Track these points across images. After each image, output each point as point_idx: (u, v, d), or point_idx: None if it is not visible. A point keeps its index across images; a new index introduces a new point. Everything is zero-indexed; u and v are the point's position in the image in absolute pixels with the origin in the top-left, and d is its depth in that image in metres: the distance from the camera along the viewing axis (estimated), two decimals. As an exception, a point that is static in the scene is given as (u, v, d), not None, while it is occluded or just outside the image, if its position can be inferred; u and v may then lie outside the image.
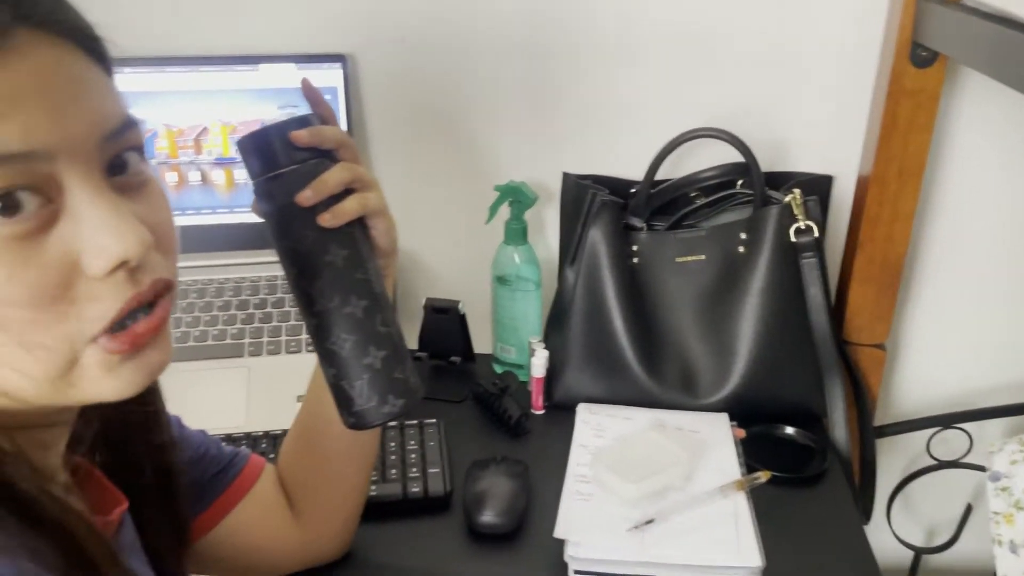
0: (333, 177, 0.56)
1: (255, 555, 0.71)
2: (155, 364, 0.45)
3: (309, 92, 0.61)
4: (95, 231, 0.41)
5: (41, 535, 0.41)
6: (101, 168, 0.42)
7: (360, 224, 0.59)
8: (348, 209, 0.57)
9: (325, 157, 0.58)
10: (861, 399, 1.05)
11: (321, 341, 0.58)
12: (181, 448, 0.66)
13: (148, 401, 0.57)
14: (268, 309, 1.03)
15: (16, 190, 0.39)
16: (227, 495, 0.69)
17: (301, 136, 0.56)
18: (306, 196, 0.55)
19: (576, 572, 0.77)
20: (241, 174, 1.05)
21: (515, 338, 1.06)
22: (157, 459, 0.59)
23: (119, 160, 0.44)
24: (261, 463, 0.73)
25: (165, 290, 0.45)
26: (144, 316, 0.44)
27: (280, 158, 0.56)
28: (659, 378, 0.97)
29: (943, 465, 1.12)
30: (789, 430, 0.96)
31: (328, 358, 0.58)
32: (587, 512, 0.81)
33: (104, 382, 0.43)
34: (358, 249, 0.58)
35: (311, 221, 0.56)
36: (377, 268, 0.60)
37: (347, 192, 0.58)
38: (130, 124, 0.44)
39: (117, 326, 0.43)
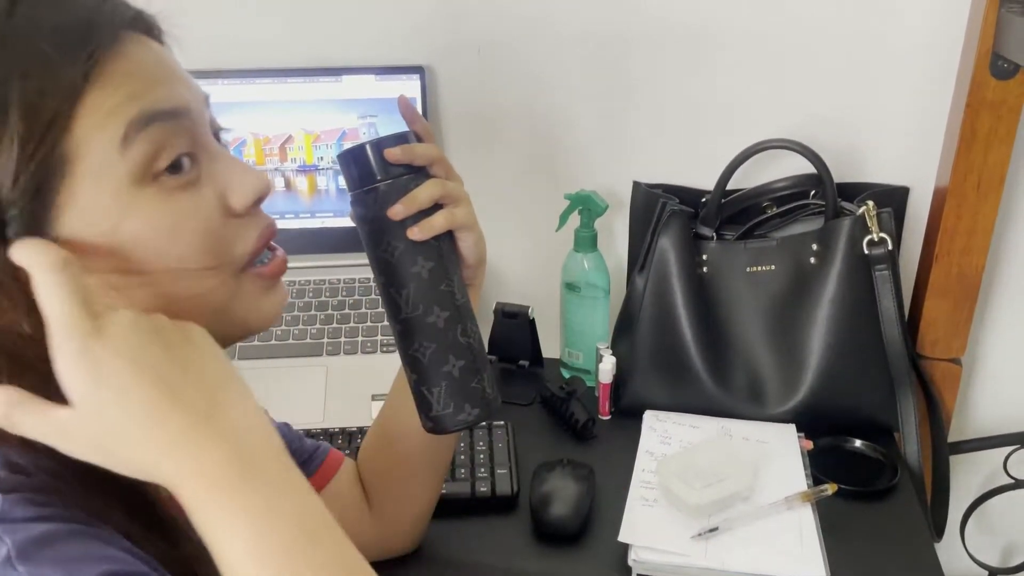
0: (423, 193, 0.60)
1: None
2: (284, 296, 0.55)
3: (406, 110, 0.65)
4: (234, 173, 0.51)
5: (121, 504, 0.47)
6: (212, 131, 0.52)
7: (448, 237, 0.62)
8: (436, 223, 0.60)
9: (418, 173, 0.61)
10: (935, 414, 1.03)
11: (405, 347, 0.61)
12: None
13: None
14: (346, 311, 1.07)
15: (180, 157, 0.48)
16: None
17: (394, 153, 0.59)
18: (397, 210, 0.59)
19: (639, 576, 0.79)
20: (323, 180, 1.10)
21: (583, 344, 1.08)
22: None
23: (215, 126, 0.53)
24: (340, 458, 0.77)
25: (274, 234, 0.54)
26: (271, 254, 0.54)
27: (375, 173, 0.60)
28: (727, 387, 0.98)
29: (1020, 484, 1.09)
30: (858, 443, 0.96)
31: (410, 363, 0.61)
32: (652, 518, 0.83)
33: (259, 308, 0.53)
34: (444, 262, 0.61)
35: (401, 233, 0.59)
36: (461, 280, 0.62)
37: (437, 207, 0.61)
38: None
39: (257, 261, 0.53)
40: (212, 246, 0.50)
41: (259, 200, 0.52)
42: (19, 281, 0.44)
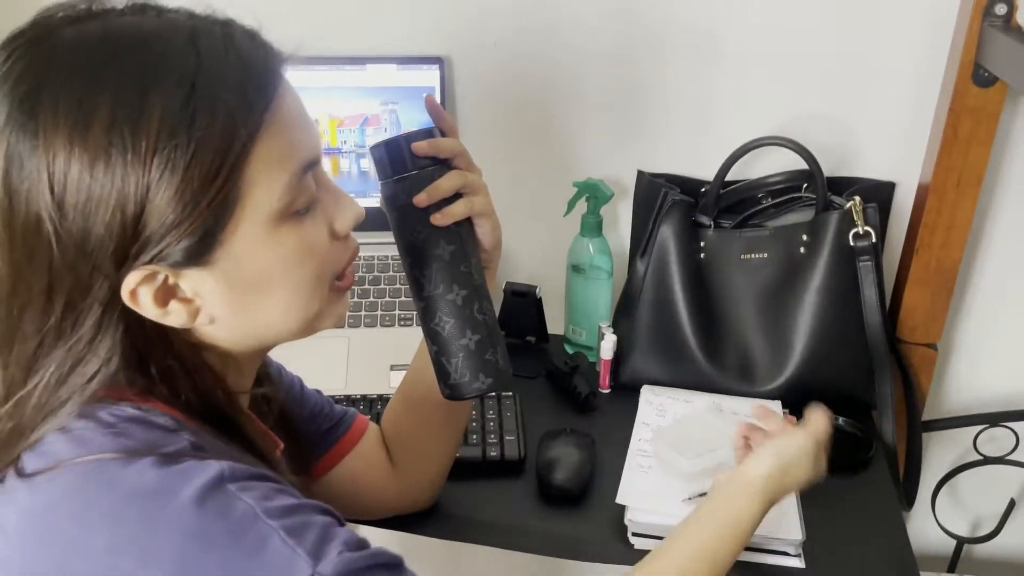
0: (445, 183, 0.66)
1: (359, 500, 0.83)
2: (348, 301, 0.65)
3: (432, 108, 0.71)
4: (340, 201, 0.59)
5: (245, 452, 0.55)
6: None
7: (468, 223, 0.68)
8: (456, 211, 0.66)
9: (442, 165, 0.67)
10: (911, 394, 1.11)
11: (427, 321, 0.68)
12: (301, 404, 0.78)
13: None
14: (367, 286, 1.14)
15: (312, 203, 0.56)
16: (338, 447, 0.81)
17: (421, 146, 0.66)
18: (421, 198, 0.65)
19: (634, 534, 0.86)
20: (346, 163, 1.16)
21: (586, 322, 1.15)
22: (281, 409, 0.72)
23: None
24: (366, 422, 0.84)
25: (358, 254, 0.63)
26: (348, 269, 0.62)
27: (404, 164, 0.66)
28: (719, 365, 1.05)
29: (989, 461, 1.17)
30: (838, 420, 1.02)
31: (431, 336, 0.68)
32: (647, 482, 0.90)
33: (332, 314, 0.61)
34: (463, 245, 0.67)
35: (425, 219, 0.66)
36: (479, 262, 0.69)
37: (458, 196, 0.67)
38: None
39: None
40: (322, 268, 0.58)
41: (356, 225, 0.60)
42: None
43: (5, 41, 0.51)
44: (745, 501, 0.71)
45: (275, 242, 0.54)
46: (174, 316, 0.53)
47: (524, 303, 1.14)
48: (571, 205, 1.12)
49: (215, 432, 0.55)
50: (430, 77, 1.13)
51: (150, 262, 0.50)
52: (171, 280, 0.52)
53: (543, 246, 1.21)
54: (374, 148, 0.67)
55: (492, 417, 0.99)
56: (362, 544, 0.51)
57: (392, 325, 1.11)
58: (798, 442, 0.76)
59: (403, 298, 1.13)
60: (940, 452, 1.24)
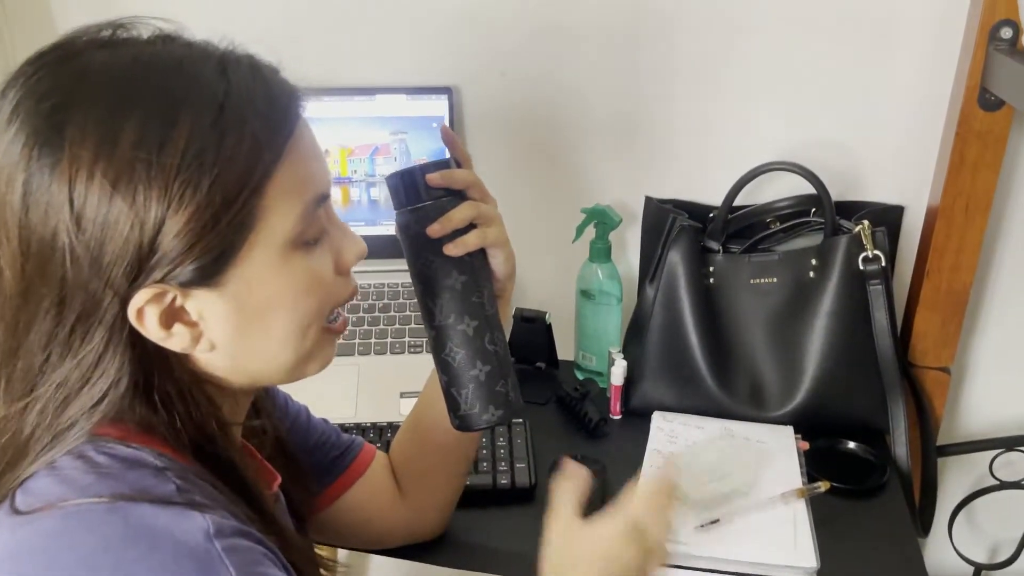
0: (458, 214, 0.66)
1: (367, 528, 0.82)
2: (335, 349, 0.62)
3: (447, 137, 0.71)
4: (346, 237, 0.60)
5: (237, 496, 0.54)
6: None
7: (481, 254, 0.69)
8: (469, 241, 0.67)
9: (457, 195, 0.68)
10: (924, 418, 1.10)
11: (437, 351, 0.68)
12: (307, 432, 0.78)
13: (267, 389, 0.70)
14: (376, 314, 1.15)
15: (321, 235, 0.57)
16: (345, 476, 0.80)
17: (435, 178, 0.66)
18: (435, 229, 0.66)
19: (646, 562, 0.86)
20: (356, 191, 1.17)
21: (596, 348, 1.15)
22: (278, 439, 0.71)
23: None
24: (373, 451, 0.84)
25: (355, 295, 0.62)
26: (338, 313, 0.61)
27: (418, 194, 0.67)
28: (730, 391, 1.05)
29: (1005, 486, 1.16)
30: (851, 445, 1.02)
31: (442, 366, 0.68)
32: (658, 510, 0.90)
33: (322, 358, 0.60)
34: (476, 276, 0.68)
35: (438, 249, 0.66)
36: (492, 293, 0.69)
37: (472, 226, 0.67)
38: None
39: (331, 318, 0.60)
40: (325, 301, 0.58)
41: (359, 261, 0.61)
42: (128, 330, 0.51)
43: (29, 60, 0.52)
44: None
45: (285, 269, 0.54)
46: (177, 339, 0.53)
47: (534, 329, 1.14)
48: (580, 231, 1.13)
49: (207, 470, 0.54)
50: (439, 106, 1.14)
51: (161, 280, 0.50)
52: (178, 301, 0.52)
53: (552, 272, 1.21)
54: (389, 178, 0.68)
55: (503, 444, 0.99)
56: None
57: (402, 352, 1.11)
58: (599, 531, 0.63)
59: (413, 325, 1.13)
60: (956, 477, 1.23)
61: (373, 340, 1.12)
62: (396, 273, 1.17)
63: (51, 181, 0.48)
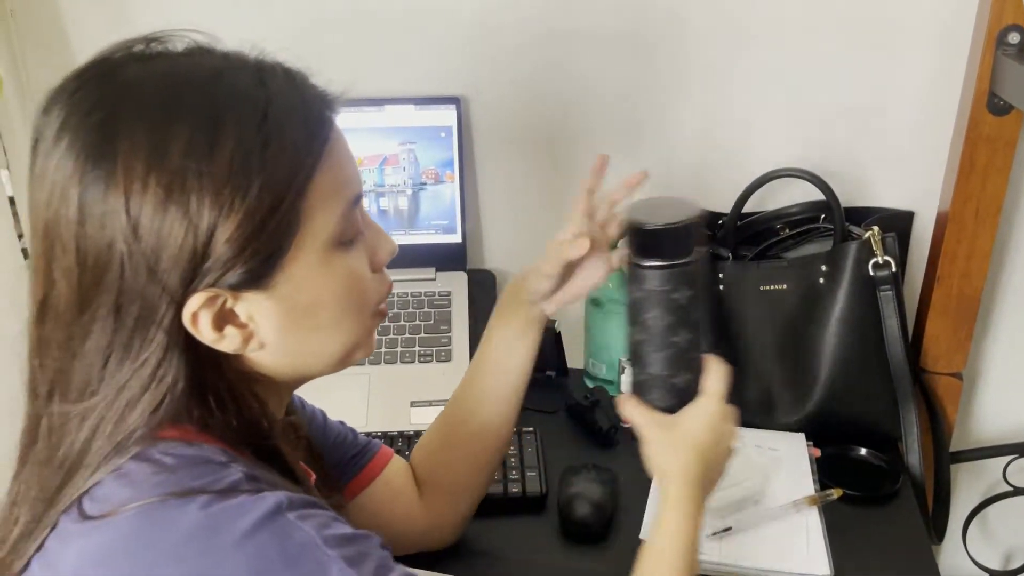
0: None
1: (384, 531, 0.82)
2: (375, 337, 0.66)
3: (601, 164, 0.80)
4: (379, 237, 0.62)
5: (290, 482, 0.56)
6: None
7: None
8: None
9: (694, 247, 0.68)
10: (936, 424, 1.09)
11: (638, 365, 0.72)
12: (324, 433, 0.80)
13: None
14: (387, 323, 1.15)
15: (357, 235, 0.59)
16: (363, 475, 0.81)
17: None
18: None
19: (658, 571, 0.85)
20: (366, 201, 1.16)
21: (606, 356, 1.15)
22: (307, 438, 0.73)
23: None
24: (390, 453, 0.85)
25: (391, 289, 0.65)
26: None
27: (688, 250, 0.67)
28: (741, 397, 1.03)
29: (1019, 491, 1.15)
30: (863, 451, 1.02)
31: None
32: (670, 518, 0.89)
33: (366, 347, 0.62)
34: (697, 334, 0.70)
35: (691, 309, 0.69)
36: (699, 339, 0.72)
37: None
38: None
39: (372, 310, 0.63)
40: (365, 298, 0.61)
41: (391, 260, 0.64)
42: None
43: (69, 78, 0.53)
44: (678, 508, 0.68)
45: (328, 269, 0.56)
46: (228, 341, 0.55)
47: (543, 337, 1.13)
48: (589, 239, 1.12)
49: (262, 464, 0.56)
50: (447, 116, 1.15)
51: (213, 284, 0.52)
52: (229, 304, 0.53)
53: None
54: (638, 231, 0.67)
55: (513, 453, 0.99)
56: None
57: (412, 361, 1.12)
58: (706, 414, 0.70)
59: (423, 335, 1.14)
60: (969, 483, 1.22)
61: (384, 350, 1.13)
62: (407, 283, 1.18)
63: (106, 192, 0.50)
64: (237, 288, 0.53)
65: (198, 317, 0.52)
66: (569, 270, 0.78)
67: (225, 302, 0.53)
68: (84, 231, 0.51)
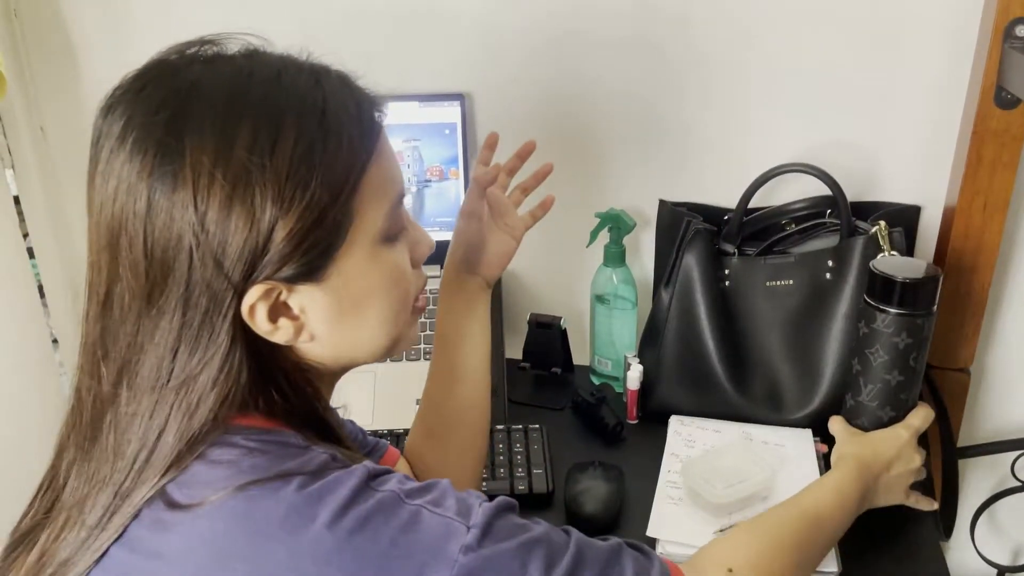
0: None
1: None
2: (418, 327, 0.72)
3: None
4: (419, 234, 0.66)
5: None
6: None
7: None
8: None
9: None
10: (943, 420, 1.09)
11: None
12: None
13: None
14: (391, 321, 1.15)
15: (401, 231, 0.62)
16: None
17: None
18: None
19: (666, 568, 0.85)
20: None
21: (612, 352, 1.15)
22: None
23: None
24: (397, 454, 0.85)
25: (427, 283, 0.69)
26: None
27: (931, 305, 0.86)
28: (747, 394, 1.04)
29: (1028, 487, 1.15)
30: (871, 447, 1.01)
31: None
32: (677, 514, 0.89)
33: (410, 336, 0.65)
34: (910, 379, 0.88)
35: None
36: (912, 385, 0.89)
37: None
38: None
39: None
40: (408, 291, 0.64)
41: (430, 254, 0.67)
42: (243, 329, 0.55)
43: (129, 79, 0.55)
44: (844, 472, 0.81)
45: (376, 263, 0.59)
46: (282, 332, 0.56)
47: (549, 334, 1.14)
48: (594, 235, 1.13)
49: (325, 445, 0.58)
50: (452, 113, 1.15)
51: (270, 277, 0.54)
52: (283, 296, 0.55)
53: (567, 277, 1.21)
54: (885, 279, 0.86)
55: (519, 450, 0.99)
56: (489, 496, 0.57)
57: (418, 359, 1.11)
58: (893, 432, 0.88)
59: (428, 332, 1.14)
60: (978, 479, 1.22)
61: (389, 347, 1.12)
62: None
63: (174, 188, 0.51)
64: (292, 281, 0.55)
65: (255, 309, 0.54)
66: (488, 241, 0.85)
67: (280, 294, 0.55)
68: (153, 226, 0.52)
